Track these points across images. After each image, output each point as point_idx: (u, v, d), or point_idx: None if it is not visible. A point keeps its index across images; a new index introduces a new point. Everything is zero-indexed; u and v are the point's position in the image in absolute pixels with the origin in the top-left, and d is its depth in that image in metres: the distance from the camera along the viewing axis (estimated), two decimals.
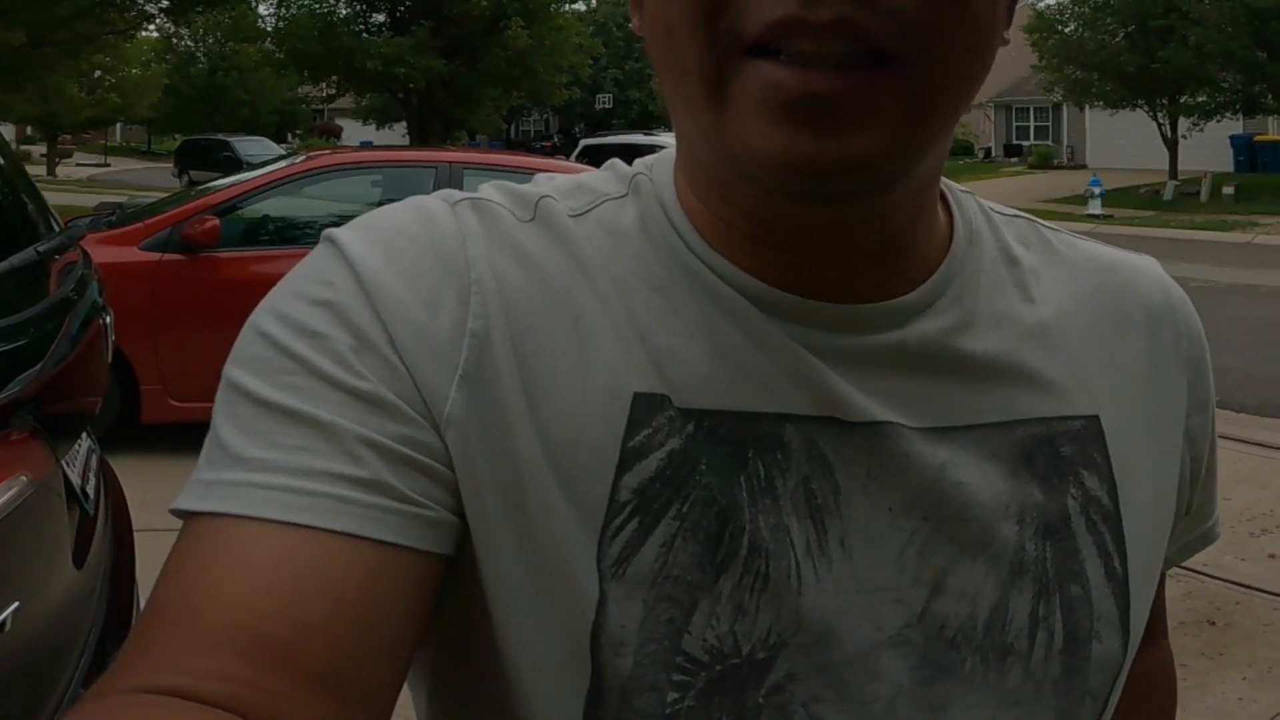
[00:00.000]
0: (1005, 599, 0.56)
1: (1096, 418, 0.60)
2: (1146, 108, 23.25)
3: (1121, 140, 28.69)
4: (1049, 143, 33.93)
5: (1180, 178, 22.65)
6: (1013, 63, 33.65)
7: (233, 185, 5.80)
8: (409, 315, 0.53)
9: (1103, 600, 0.59)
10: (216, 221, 5.26)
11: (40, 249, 1.78)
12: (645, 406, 0.54)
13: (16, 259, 1.71)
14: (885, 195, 0.52)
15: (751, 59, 0.46)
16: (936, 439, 0.56)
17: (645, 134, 15.07)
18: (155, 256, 5.17)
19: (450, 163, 5.91)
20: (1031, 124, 35.57)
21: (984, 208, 0.64)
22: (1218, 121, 22.88)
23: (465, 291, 0.54)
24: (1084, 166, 30.11)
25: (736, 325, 0.55)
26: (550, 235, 0.57)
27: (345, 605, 0.48)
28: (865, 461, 0.55)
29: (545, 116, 48.50)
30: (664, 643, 0.52)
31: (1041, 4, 25.56)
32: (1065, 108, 30.80)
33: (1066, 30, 23.90)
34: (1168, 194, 21.62)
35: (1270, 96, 20.56)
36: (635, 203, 0.59)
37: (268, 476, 0.49)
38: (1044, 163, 31.90)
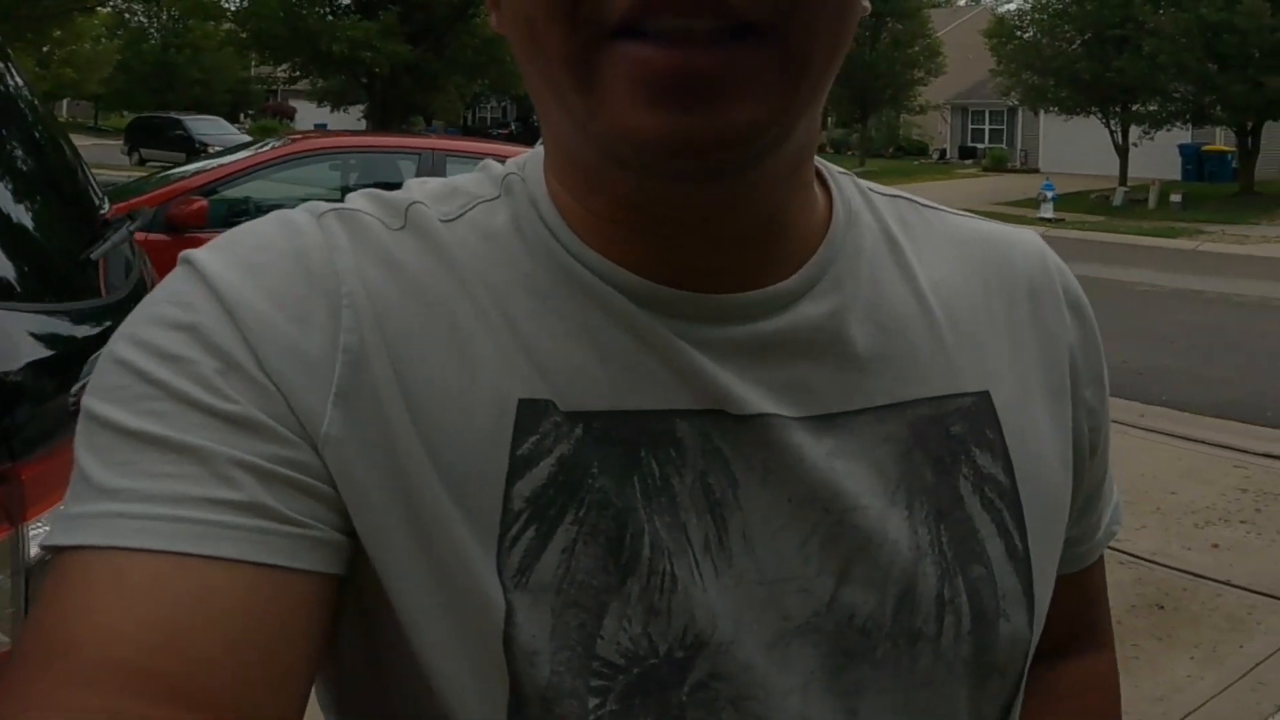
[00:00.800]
0: (911, 584, 0.56)
1: (987, 393, 0.60)
2: (1100, 115, 23.69)
3: (1074, 146, 29.18)
4: (1003, 146, 34.42)
5: (1130, 184, 23.12)
6: (970, 66, 34.20)
7: (218, 167, 5.89)
8: (277, 334, 0.51)
9: (1006, 578, 0.58)
10: (204, 202, 5.36)
11: (131, 227, 1.89)
12: (530, 413, 0.53)
13: (116, 237, 1.82)
14: (760, 170, 0.52)
15: (618, 41, 0.46)
16: (823, 428, 0.56)
17: None
18: (140, 236, 5.25)
19: (433, 150, 6.03)
20: (987, 127, 36.10)
21: (862, 188, 0.64)
22: (1167, 130, 23.37)
23: (336, 306, 0.52)
24: (1037, 170, 30.57)
25: (617, 324, 0.55)
26: (422, 243, 0.56)
27: (230, 632, 0.46)
28: (761, 455, 0.55)
29: (504, 104, 48.24)
30: (577, 649, 0.52)
31: (1002, 9, 26.02)
32: (1020, 112, 31.26)
33: (1025, 36, 24.30)
34: (1117, 200, 22.06)
35: (1219, 108, 21.04)
36: (508, 204, 0.58)
37: (137, 506, 0.47)
38: (998, 165, 32.38)
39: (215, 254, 0.53)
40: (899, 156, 37.55)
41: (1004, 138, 35.18)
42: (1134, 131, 23.66)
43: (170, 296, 0.52)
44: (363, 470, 0.51)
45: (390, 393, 0.52)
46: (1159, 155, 25.23)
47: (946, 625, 0.57)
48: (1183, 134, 25.10)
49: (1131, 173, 24.10)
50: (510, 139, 32.87)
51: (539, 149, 0.60)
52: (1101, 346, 0.68)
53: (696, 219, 0.54)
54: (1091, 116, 24.07)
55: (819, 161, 0.61)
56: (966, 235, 0.66)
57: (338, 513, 0.51)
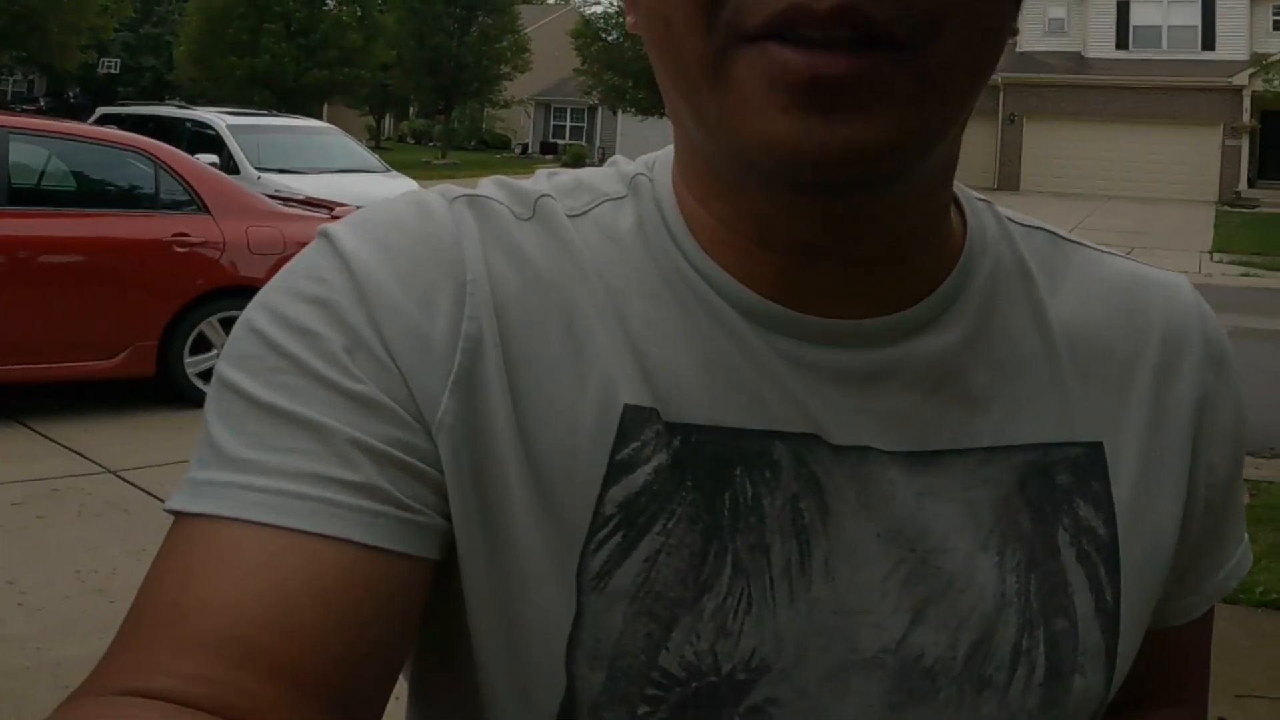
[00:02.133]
0: (989, 632, 0.56)
1: (1099, 445, 0.59)
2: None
3: (648, 144, 30.93)
4: (583, 143, 36.35)
5: None
6: (555, 64, 35.83)
7: None
8: (403, 316, 0.52)
9: (1090, 634, 0.57)
10: None
11: None
12: (634, 419, 0.53)
13: None
14: (892, 192, 0.51)
15: (756, 43, 0.46)
16: (921, 465, 0.56)
17: (181, 106, 13.93)
18: None
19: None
20: (568, 124, 37.98)
21: (1000, 217, 0.63)
22: None
23: (460, 293, 0.53)
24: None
25: (727, 338, 0.55)
26: (548, 235, 0.57)
27: (334, 610, 0.47)
28: (854, 486, 0.55)
29: (30, 77, 43.66)
30: (640, 657, 0.52)
31: (589, 10, 27.53)
32: (600, 110, 33.19)
33: (610, 39, 25.96)
34: None
35: None
36: (634, 204, 0.58)
37: (259, 479, 0.49)
38: (577, 161, 34.07)
39: (351, 229, 0.55)
40: (481, 150, 38.42)
41: (584, 134, 37.16)
42: None
43: (307, 269, 0.54)
44: (465, 456, 0.52)
45: (500, 385, 0.53)
46: None
47: (1018, 676, 0.56)
48: None
49: None
50: (40, 115, 29.96)
51: (668, 150, 0.60)
52: (1241, 404, 0.65)
53: (821, 237, 0.53)
54: (664, 118, 26.11)
55: (958, 188, 0.61)
56: (1108, 274, 0.63)
57: (443, 498, 0.52)
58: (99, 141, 6.09)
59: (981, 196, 0.63)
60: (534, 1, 44.57)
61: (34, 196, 5.71)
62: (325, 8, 31.01)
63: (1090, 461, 0.59)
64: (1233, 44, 26.74)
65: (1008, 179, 28.18)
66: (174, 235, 5.74)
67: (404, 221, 0.55)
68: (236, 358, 0.53)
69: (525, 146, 38.89)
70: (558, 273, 0.56)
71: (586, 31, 26.42)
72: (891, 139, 0.47)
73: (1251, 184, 26.98)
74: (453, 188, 0.58)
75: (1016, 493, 0.57)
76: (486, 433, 0.52)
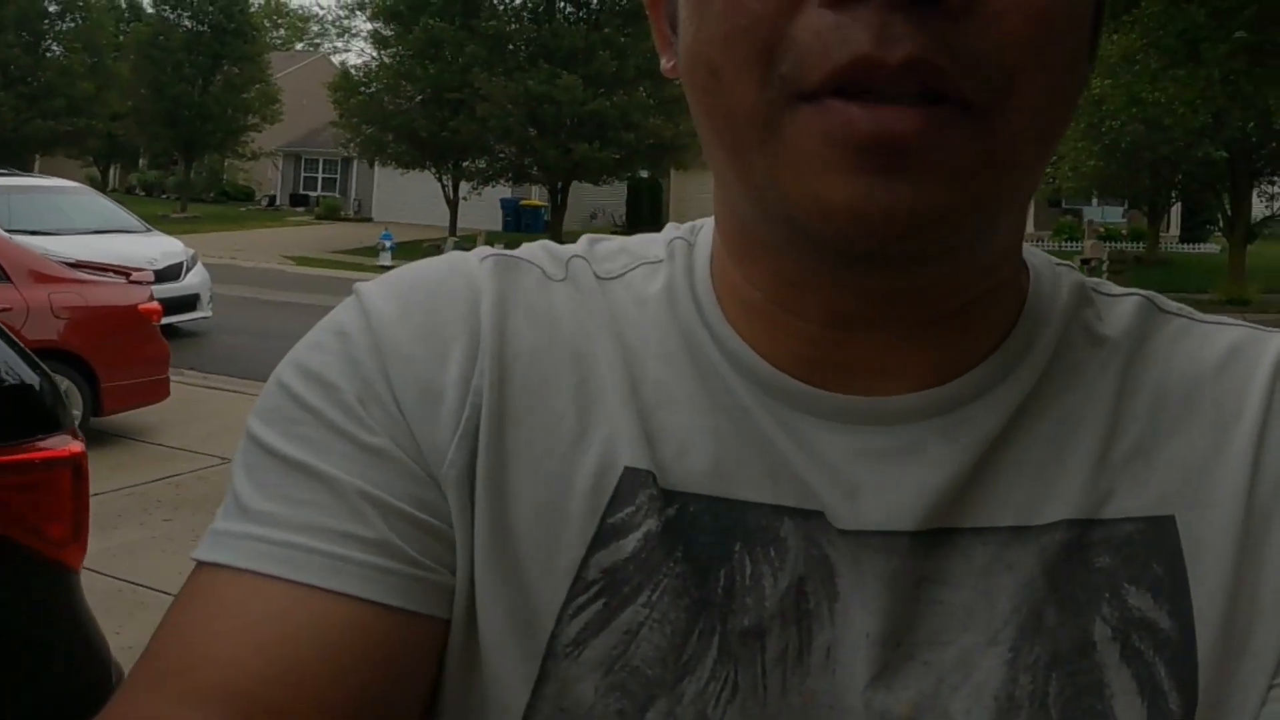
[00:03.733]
0: None
1: (1169, 519, 0.51)
2: (434, 170, 25.53)
3: (407, 197, 30.88)
4: (336, 195, 35.40)
5: (459, 234, 25.30)
6: (305, 113, 34.73)
7: None
8: (415, 368, 0.52)
9: None
10: None
11: None
12: (631, 482, 0.51)
13: None
14: (947, 267, 0.48)
15: (816, 100, 0.42)
16: (929, 546, 0.51)
17: None
18: None
19: None
20: (320, 175, 36.81)
21: (1081, 284, 0.57)
22: (493, 187, 26.03)
23: (474, 348, 0.53)
24: (370, 219, 32.01)
25: (737, 410, 0.52)
26: (578, 296, 0.56)
27: (340, 667, 0.47)
28: (861, 570, 0.50)
29: None
30: None
31: (338, 59, 26.82)
32: (355, 162, 32.44)
33: (369, 92, 25.42)
34: (447, 249, 23.86)
35: (536, 168, 23.99)
36: (667, 269, 0.57)
37: (273, 531, 0.49)
38: (331, 214, 33.20)
39: (379, 286, 0.56)
40: (222, 202, 36.73)
41: (337, 186, 36.18)
42: (464, 186, 25.86)
43: (333, 323, 0.55)
44: (464, 510, 0.51)
45: (509, 439, 0.52)
46: (483, 208, 27.81)
47: None
48: (505, 189, 28.03)
49: (460, 224, 26.34)
50: None
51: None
52: None
53: (861, 310, 0.50)
54: (426, 171, 25.88)
55: (1033, 253, 0.58)
56: (1207, 340, 0.56)
57: (453, 552, 0.51)
58: None
59: (1065, 263, 0.59)
60: (281, 49, 43.23)
61: None
62: (50, 55, 28.87)
63: (1150, 539, 0.51)
64: None
65: None
66: None
67: (429, 278, 0.56)
68: (261, 411, 0.53)
69: (273, 198, 37.46)
70: (578, 332, 0.55)
71: (345, 84, 25.73)
72: (960, 205, 0.43)
73: None
74: (487, 249, 0.58)
75: (1041, 578, 0.51)
76: (487, 485, 0.52)
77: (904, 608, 0.50)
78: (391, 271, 0.57)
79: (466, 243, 24.39)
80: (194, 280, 10.81)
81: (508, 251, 0.58)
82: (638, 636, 0.50)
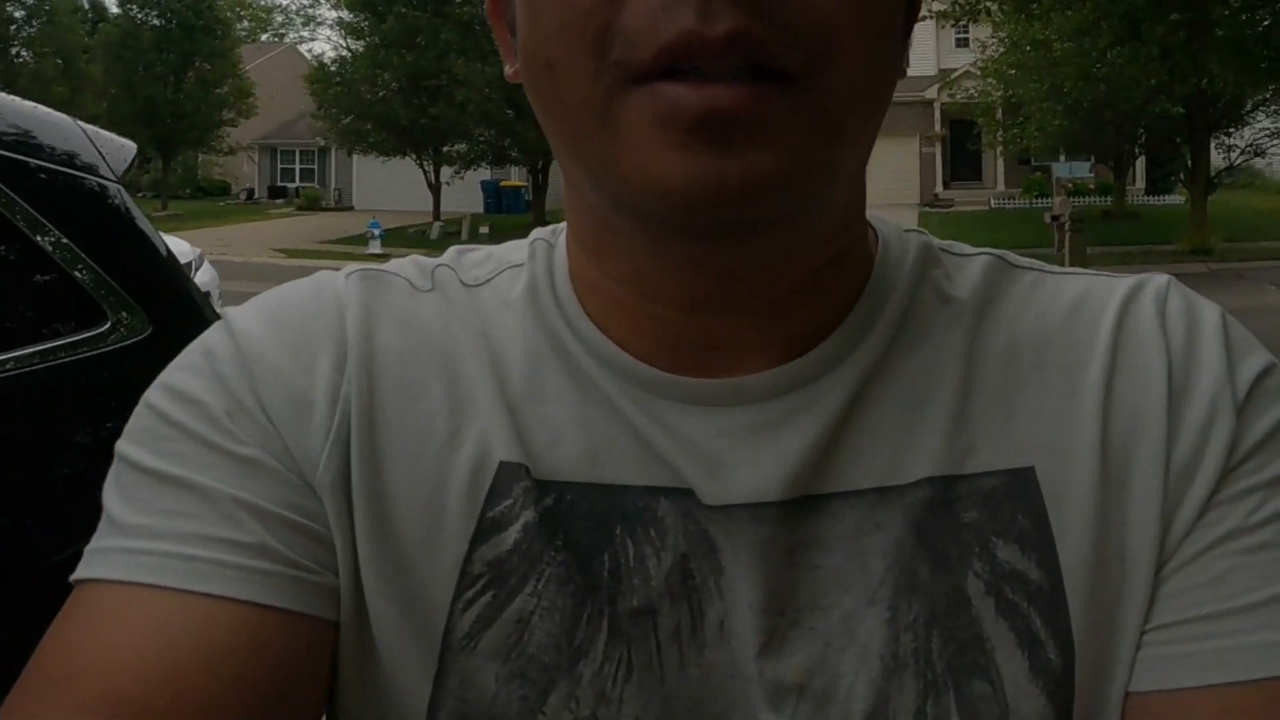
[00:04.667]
0: (882, 700, 0.50)
1: (1029, 470, 0.52)
2: (415, 156, 25.75)
3: (388, 184, 30.92)
4: (315, 185, 35.46)
5: (443, 218, 25.65)
6: (277, 105, 34.82)
7: None
8: (283, 380, 0.54)
9: (1022, 698, 0.50)
10: None
11: None
12: (506, 477, 0.53)
13: None
14: (785, 235, 0.50)
15: (647, 83, 0.44)
16: (800, 514, 0.52)
17: None
18: None
19: None
20: (298, 166, 36.79)
21: (930, 247, 0.59)
22: (475, 170, 26.35)
23: (341, 358, 0.55)
24: (351, 208, 32.19)
25: (601, 400, 0.54)
26: (444, 303, 0.58)
27: (226, 670, 0.47)
28: (740, 541, 0.52)
29: None
30: None
31: (305, 48, 26.83)
32: (333, 151, 32.55)
33: (347, 81, 25.53)
34: (434, 234, 24.18)
35: (515, 149, 24.34)
36: (529, 270, 0.58)
37: (147, 542, 0.49)
38: (313, 204, 33.26)
39: (247, 307, 0.57)
40: (199, 197, 36.75)
41: (315, 176, 36.24)
42: (445, 171, 26.10)
43: (199, 345, 0.56)
44: (342, 514, 0.52)
45: (368, 445, 0.53)
46: (464, 191, 28.04)
47: None
48: (484, 172, 28.34)
49: (443, 208, 26.63)
50: None
51: None
52: (1232, 410, 0.52)
53: (710, 290, 0.52)
54: (406, 157, 26.14)
55: (881, 220, 0.59)
56: (1057, 291, 0.57)
57: (334, 556, 0.52)
58: None
59: (916, 229, 0.61)
60: (247, 41, 43.11)
61: None
62: (20, 60, 28.90)
63: (1012, 491, 0.52)
64: (923, 61, 29.54)
65: None
66: None
67: (295, 297, 0.58)
68: (130, 432, 0.54)
69: (251, 191, 37.50)
70: (445, 337, 0.57)
71: (322, 75, 25.95)
72: (789, 172, 0.45)
73: (946, 186, 29.96)
74: (356, 266, 0.60)
75: (911, 536, 0.52)
76: (364, 490, 0.53)
77: (781, 576, 0.52)
78: (258, 295, 0.59)
79: (451, 226, 24.72)
80: (204, 279, 11.08)
81: (374, 266, 0.60)
82: (529, 625, 0.52)
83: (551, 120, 0.49)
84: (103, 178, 1.81)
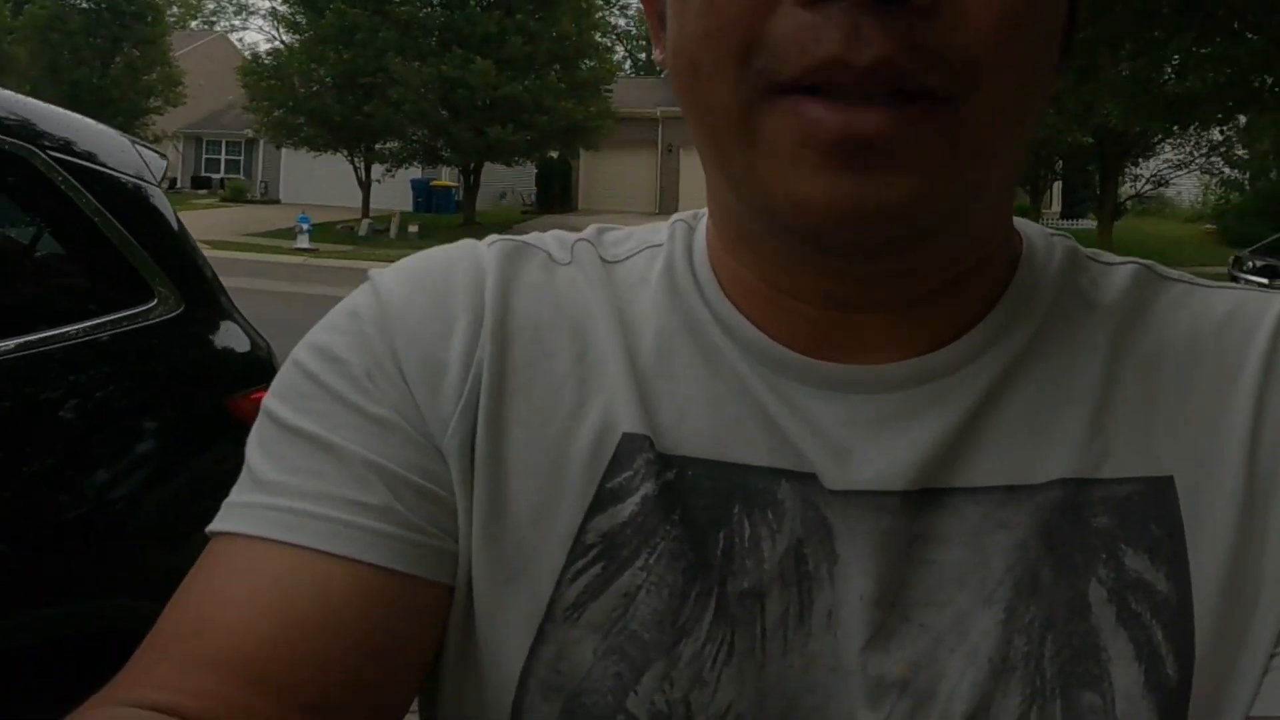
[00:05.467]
0: (986, 703, 0.49)
1: (1167, 479, 0.51)
2: (346, 153, 25.69)
3: (316, 179, 30.61)
4: (241, 177, 35.10)
5: (372, 215, 25.67)
6: (205, 94, 34.45)
7: None
8: (421, 344, 0.55)
9: (1132, 712, 0.48)
10: None
11: None
12: (629, 448, 0.53)
13: None
14: (923, 252, 0.50)
15: (787, 96, 0.44)
16: (922, 505, 0.51)
17: None
18: None
19: None
20: (223, 157, 36.28)
21: (1075, 253, 0.59)
22: (406, 169, 26.45)
23: (477, 325, 0.56)
24: (278, 201, 31.96)
25: (734, 379, 0.54)
26: (582, 277, 0.59)
27: (343, 630, 0.49)
28: (859, 531, 0.51)
29: None
30: (606, 697, 0.51)
31: (235, 36, 26.56)
32: (261, 144, 32.26)
33: (280, 75, 25.47)
34: (363, 230, 24.17)
35: (448, 149, 24.52)
36: (667, 249, 0.59)
37: (282, 499, 0.51)
38: (238, 196, 32.90)
39: (393, 271, 0.59)
40: None
41: (241, 168, 35.86)
42: (376, 169, 26.12)
43: (347, 306, 0.58)
44: (472, 482, 0.54)
45: (509, 410, 0.55)
46: (394, 189, 27.93)
47: None
48: (415, 170, 28.43)
49: (372, 205, 26.59)
50: None
51: None
52: None
53: (849, 292, 0.52)
54: (338, 154, 26.13)
55: (1027, 225, 0.59)
56: (1206, 305, 0.56)
57: (456, 521, 0.54)
58: None
59: (1062, 233, 0.60)
60: (176, 27, 42.54)
61: None
62: None
63: (1149, 499, 0.51)
64: None
65: (668, 205, 30.36)
66: None
67: (438, 263, 0.59)
68: (276, 388, 0.56)
69: (174, 181, 36.95)
70: (579, 310, 0.57)
71: (256, 68, 25.84)
72: (925, 197, 0.45)
73: None
74: (498, 236, 0.62)
75: (1036, 538, 0.51)
76: (489, 456, 0.54)
77: (897, 568, 0.51)
78: (405, 258, 0.60)
79: (380, 223, 24.74)
80: None
81: (516, 237, 0.61)
82: (635, 600, 0.51)
83: (694, 119, 0.50)
84: (147, 182, 2.19)
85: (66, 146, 2.02)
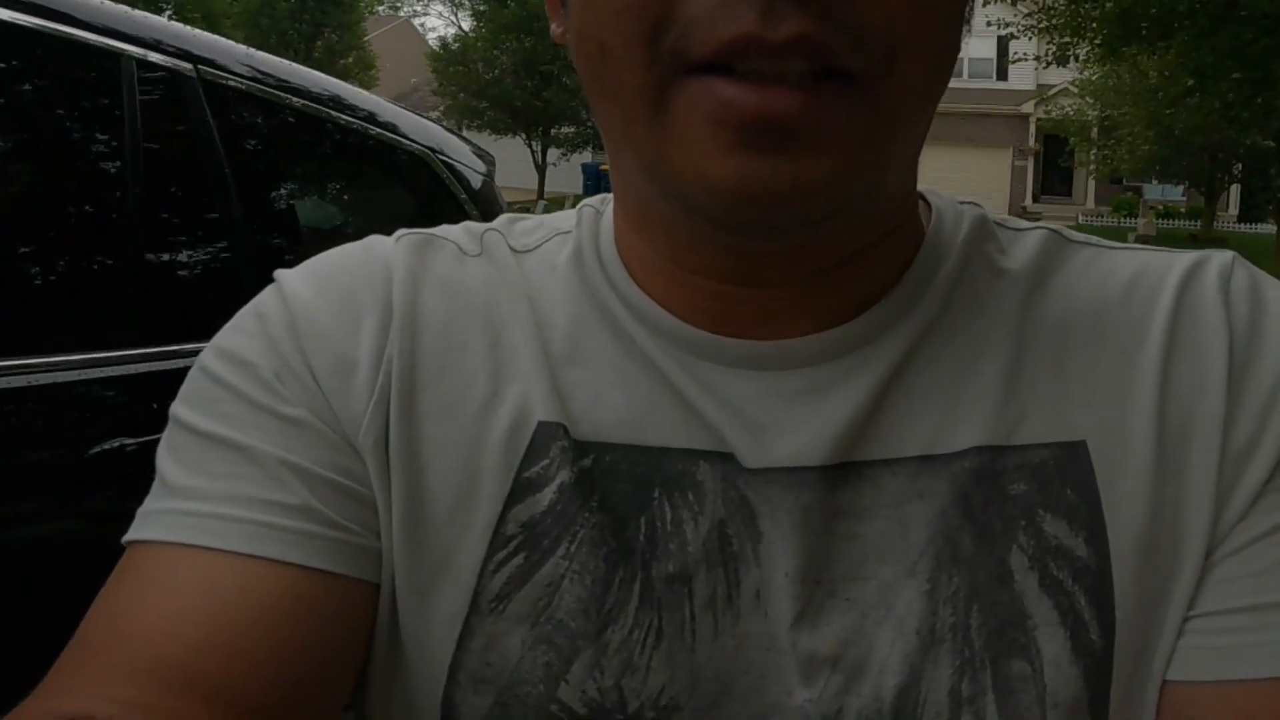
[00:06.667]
0: (916, 676, 0.49)
1: (1080, 444, 0.51)
2: (524, 136, 26.88)
3: (500, 162, 32.30)
4: None
5: (546, 197, 26.81)
6: (391, 79, 36.23)
7: None
8: (329, 343, 0.54)
9: (1061, 679, 0.48)
10: None
11: None
12: (545, 436, 0.53)
13: None
14: (834, 226, 0.49)
15: (699, 76, 0.43)
16: (839, 480, 0.51)
17: None
18: None
19: None
20: None
21: (984, 220, 0.58)
22: (579, 153, 27.53)
23: (386, 320, 0.55)
24: None
25: (645, 362, 0.54)
26: (491, 268, 0.58)
27: (271, 632, 0.47)
28: (781, 508, 0.51)
29: None
30: (538, 687, 0.50)
31: (418, 21, 27.96)
32: (443, 126, 33.71)
33: (466, 62, 26.84)
34: (538, 211, 25.32)
35: None
36: (575, 236, 0.59)
37: (197, 504, 0.50)
38: None
39: (298, 272, 0.57)
40: None
41: None
42: (551, 152, 27.28)
43: (252, 308, 0.57)
44: (388, 478, 0.53)
45: (422, 404, 0.54)
46: (567, 172, 29.03)
47: None
48: (585, 155, 29.48)
49: (547, 187, 27.78)
50: None
51: None
52: None
53: (756, 270, 0.52)
54: (516, 137, 27.24)
55: (937, 194, 0.59)
56: (1113, 267, 0.55)
57: (377, 518, 0.53)
58: None
59: (970, 201, 0.60)
60: (369, 14, 44.66)
61: None
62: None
63: (1063, 465, 0.51)
64: (1022, 75, 30.06)
65: None
66: None
67: (345, 259, 0.58)
68: (184, 394, 0.55)
69: None
70: (489, 301, 0.57)
71: (445, 55, 27.32)
72: (839, 173, 0.44)
73: (1035, 199, 30.43)
74: (406, 231, 0.60)
75: (955, 507, 0.50)
76: (412, 451, 0.53)
77: (821, 544, 0.51)
78: (311, 258, 0.59)
79: (554, 205, 25.82)
80: None
81: (423, 230, 0.60)
82: (560, 589, 0.51)
83: (601, 100, 0.48)
84: (483, 173, 2.98)
85: (443, 151, 2.78)
